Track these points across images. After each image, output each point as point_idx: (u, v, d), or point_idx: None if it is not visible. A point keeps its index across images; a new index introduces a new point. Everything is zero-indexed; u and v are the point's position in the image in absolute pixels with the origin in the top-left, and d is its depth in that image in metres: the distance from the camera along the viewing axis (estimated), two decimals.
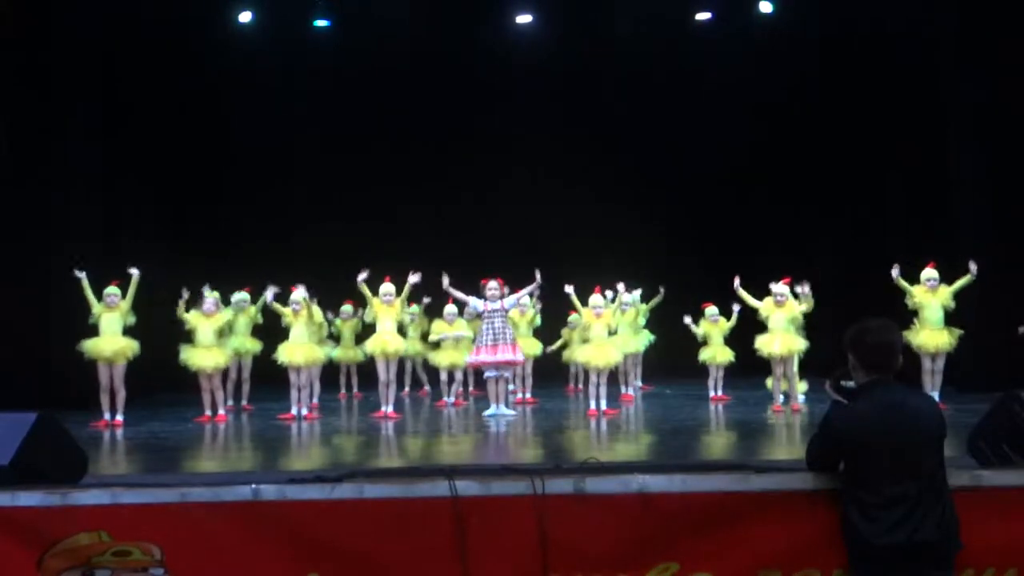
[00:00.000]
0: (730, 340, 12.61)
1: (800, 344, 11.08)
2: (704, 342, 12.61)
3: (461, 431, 10.38)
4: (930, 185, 13.42)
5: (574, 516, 4.28)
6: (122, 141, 13.30)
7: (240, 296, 12.06)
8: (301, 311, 11.26)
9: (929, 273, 10.82)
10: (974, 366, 11.31)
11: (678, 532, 4.29)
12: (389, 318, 11.41)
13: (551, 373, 13.68)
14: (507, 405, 11.34)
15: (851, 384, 4.13)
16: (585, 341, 11.56)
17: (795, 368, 11.28)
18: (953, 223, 13.03)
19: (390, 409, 11.23)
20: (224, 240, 14.97)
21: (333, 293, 13.08)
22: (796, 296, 11.14)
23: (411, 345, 12.82)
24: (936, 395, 10.52)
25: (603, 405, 11.05)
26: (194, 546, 4.29)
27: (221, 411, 11.14)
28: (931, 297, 10.74)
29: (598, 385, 11.12)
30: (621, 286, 12.16)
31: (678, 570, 4.28)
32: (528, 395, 12.84)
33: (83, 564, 4.28)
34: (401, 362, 12.51)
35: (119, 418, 10.60)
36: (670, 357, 13.93)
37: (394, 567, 4.31)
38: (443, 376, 12.77)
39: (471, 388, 13.87)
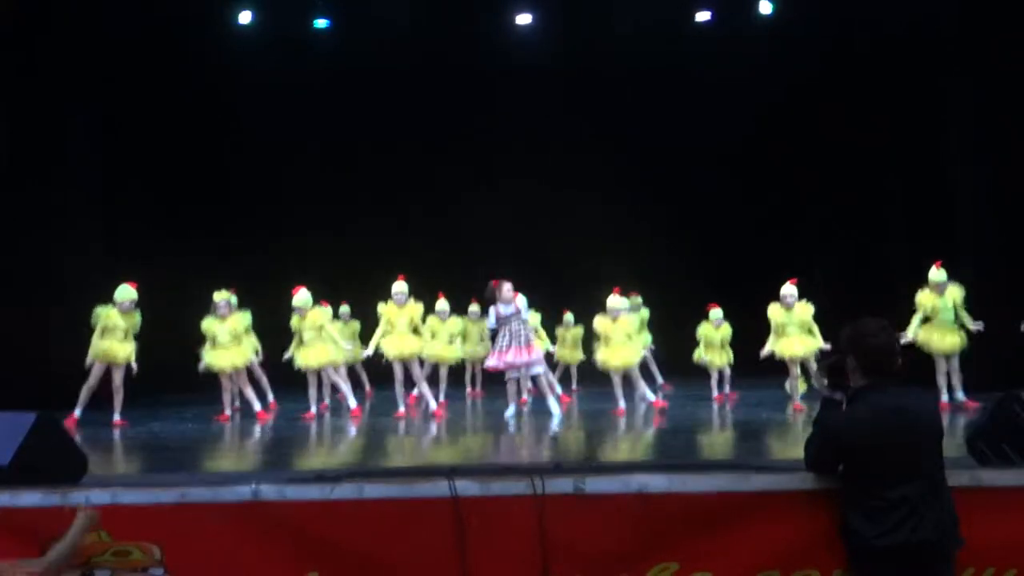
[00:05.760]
0: (732, 340, 12.63)
1: (817, 343, 10.96)
2: (707, 344, 12.59)
3: (462, 431, 10.36)
4: (931, 184, 13.40)
5: (574, 516, 4.28)
6: (122, 141, 13.28)
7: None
8: (306, 314, 11.22)
9: (937, 276, 10.53)
10: (975, 366, 11.28)
11: (678, 532, 4.29)
12: (403, 319, 11.28)
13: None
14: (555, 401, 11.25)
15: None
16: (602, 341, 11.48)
17: (798, 369, 11.28)
18: (953, 222, 13.01)
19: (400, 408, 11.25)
20: (224, 240, 14.93)
21: (332, 292, 13.04)
22: (802, 296, 11.09)
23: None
24: (961, 394, 10.55)
25: (622, 404, 11.09)
26: (194, 546, 4.29)
27: (260, 406, 11.35)
28: (940, 299, 10.49)
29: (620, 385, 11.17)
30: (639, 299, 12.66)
31: (678, 570, 4.28)
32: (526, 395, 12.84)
33: (83, 564, 4.28)
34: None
35: (117, 418, 10.63)
36: (671, 358, 13.91)
37: (394, 567, 4.31)
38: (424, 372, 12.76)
39: (478, 388, 13.87)
